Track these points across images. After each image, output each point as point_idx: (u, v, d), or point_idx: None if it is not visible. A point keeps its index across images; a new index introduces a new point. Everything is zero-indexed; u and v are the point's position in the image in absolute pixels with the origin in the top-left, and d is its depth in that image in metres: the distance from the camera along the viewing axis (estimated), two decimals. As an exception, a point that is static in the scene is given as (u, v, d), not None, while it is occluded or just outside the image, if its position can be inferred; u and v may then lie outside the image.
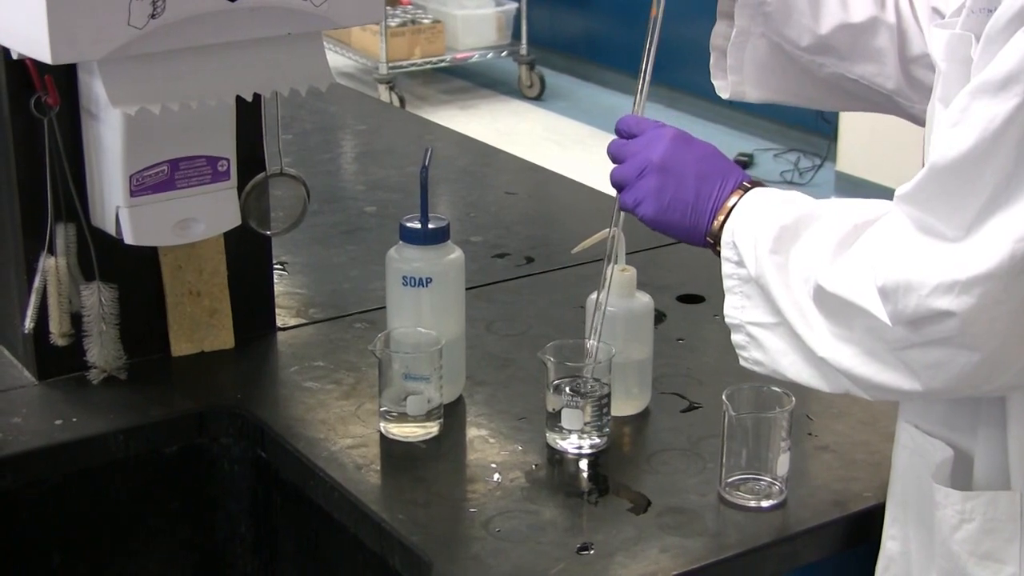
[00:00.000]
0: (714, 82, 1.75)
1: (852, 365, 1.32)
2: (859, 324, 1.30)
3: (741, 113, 6.14)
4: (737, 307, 1.43)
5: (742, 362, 1.44)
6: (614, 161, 1.52)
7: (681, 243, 1.50)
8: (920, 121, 1.60)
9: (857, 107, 1.77)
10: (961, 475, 1.40)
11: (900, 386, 1.31)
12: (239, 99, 1.66)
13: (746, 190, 1.45)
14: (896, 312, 1.25)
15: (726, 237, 1.43)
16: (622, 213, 1.57)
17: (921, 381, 1.29)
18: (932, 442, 1.42)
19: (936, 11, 1.62)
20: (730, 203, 1.44)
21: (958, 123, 1.23)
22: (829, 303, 1.32)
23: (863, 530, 1.56)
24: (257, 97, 1.69)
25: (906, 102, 1.67)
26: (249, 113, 1.77)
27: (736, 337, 1.44)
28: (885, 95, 1.68)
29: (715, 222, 1.44)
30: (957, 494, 1.39)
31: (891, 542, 1.49)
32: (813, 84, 1.72)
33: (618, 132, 1.54)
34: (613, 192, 1.54)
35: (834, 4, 1.65)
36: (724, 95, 1.75)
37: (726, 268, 1.43)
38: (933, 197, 1.25)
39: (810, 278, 1.34)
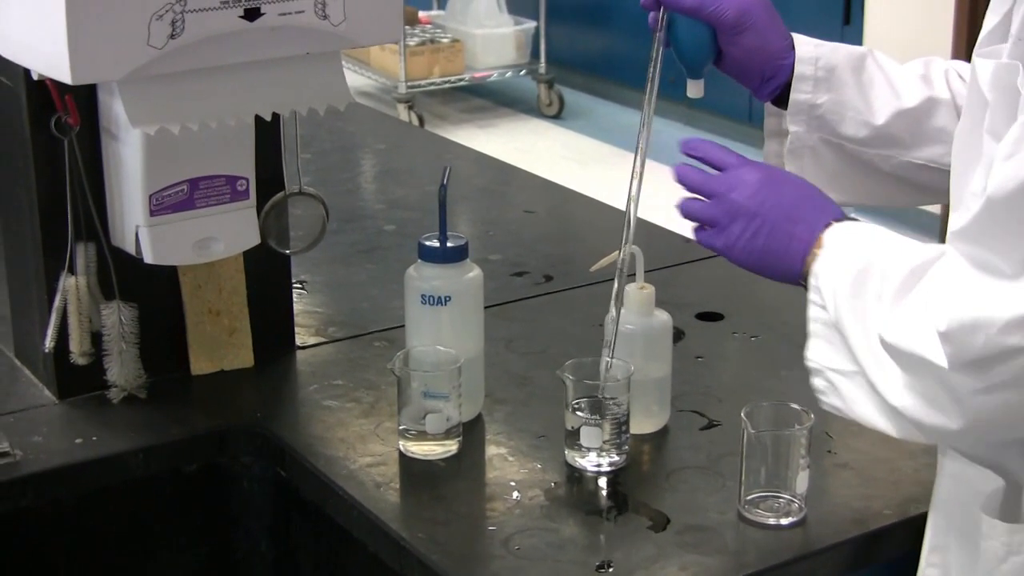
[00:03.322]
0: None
1: (921, 415, 1.30)
2: (924, 373, 1.28)
3: (759, 130, 6.13)
4: (820, 351, 1.41)
5: (821, 405, 1.42)
6: (692, 190, 1.49)
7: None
8: None
9: (930, 199, 1.74)
10: (1010, 506, 1.38)
11: (965, 436, 1.30)
12: (258, 118, 1.67)
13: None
14: (959, 354, 1.23)
15: (812, 280, 1.41)
16: (631, 229, 1.58)
17: (988, 429, 1.28)
18: (981, 471, 1.40)
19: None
20: (818, 244, 1.42)
21: (1013, 155, 1.21)
22: (894, 354, 1.30)
23: (883, 548, 1.56)
24: (276, 116, 1.69)
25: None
26: (268, 132, 1.78)
27: (816, 381, 1.41)
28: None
29: (805, 265, 1.42)
30: (1005, 526, 1.36)
31: (931, 570, 1.48)
32: (881, 180, 1.69)
33: (695, 156, 1.51)
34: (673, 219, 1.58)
35: (886, 93, 1.64)
36: None
37: (811, 311, 1.41)
38: (990, 232, 1.23)
39: (872, 328, 1.33)
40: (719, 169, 1.50)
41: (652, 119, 1.58)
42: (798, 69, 1.64)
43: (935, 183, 1.66)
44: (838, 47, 1.67)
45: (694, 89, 1.66)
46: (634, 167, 1.57)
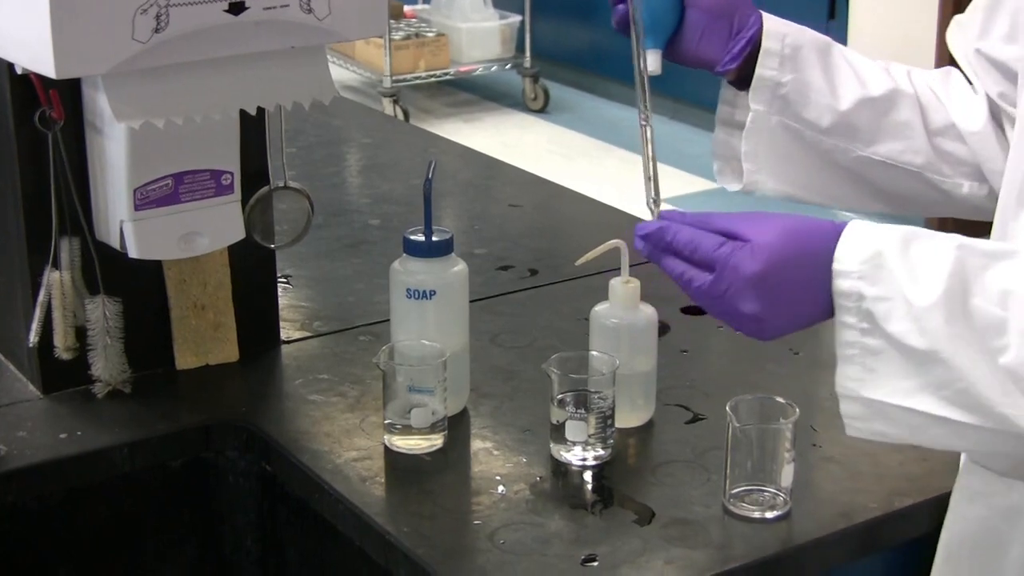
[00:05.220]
0: (720, 179, 1.69)
1: None
2: None
3: (745, 125, 6.12)
4: (855, 379, 1.31)
5: (850, 431, 1.35)
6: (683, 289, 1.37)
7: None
8: (950, 197, 1.60)
9: (880, 203, 1.69)
10: None
11: None
12: (243, 113, 1.67)
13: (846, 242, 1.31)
14: None
15: (847, 300, 1.29)
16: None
17: None
18: (1008, 483, 1.39)
19: (984, 55, 1.58)
20: (841, 267, 1.30)
21: None
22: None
23: (868, 542, 1.56)
24: (261, 111, 1.69)
25: (937, 176, 1.62)
26: (253, 127, 1.78)
27: (849, 408, 1.33)
28: (914, 173, 1.62)
29: (834, 294, 1.30)
30: None
31: None
32: (836, 175, 1.65)
33: (655, 259, 1.37)
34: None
35: (851, 79, 1.62)
36: (734, 187, 1.68)
37: (847, 335, 1.30)
38: None
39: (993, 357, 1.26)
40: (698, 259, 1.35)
41: (648, 94, 1.53)
42: (765, 43, 1.60)
43: (890, 184, 1.64)
44: (804, 29, 1.64)
45: (653, 61, 1.60)
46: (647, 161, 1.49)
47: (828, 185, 1.67)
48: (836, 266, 1.29)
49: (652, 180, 1.47)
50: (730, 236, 1.33)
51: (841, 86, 1.61)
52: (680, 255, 1.34)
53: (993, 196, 1.56)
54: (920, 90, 1.63)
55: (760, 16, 1.61)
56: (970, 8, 1.62)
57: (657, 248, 1.36)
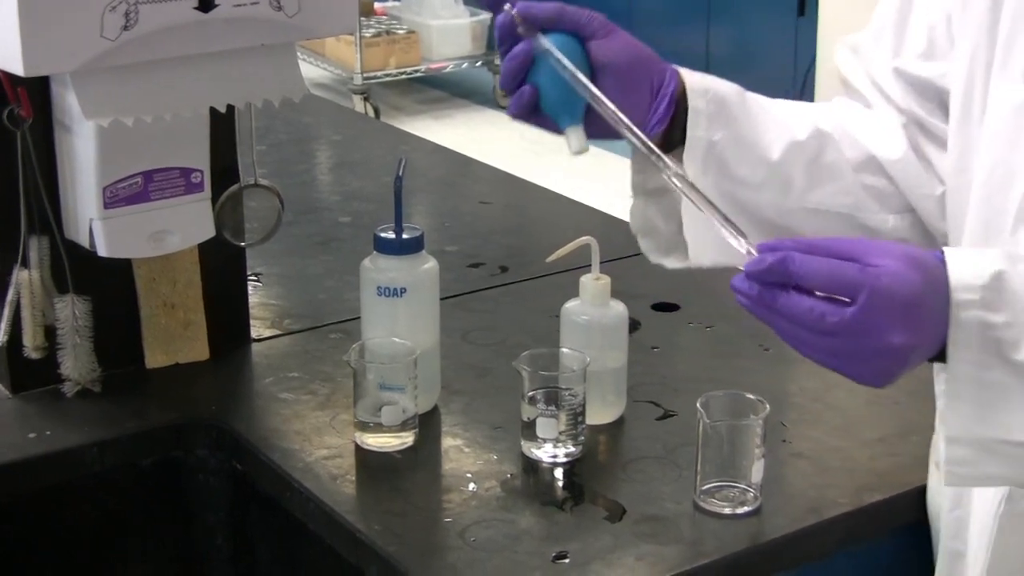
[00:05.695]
0: (654, 258, 1.53)
1: None
2: None
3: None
4: (969, 418, 1.21)
5: (951, 481, 1.25)
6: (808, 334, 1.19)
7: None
8: (876, 234, 1.51)
9: None
10: None
11: None
12: (213, 110, 1.66)
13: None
14: None
15: (966, 332, 1.19)
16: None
17: None
18: None
19: (903, 74, 1.52)
20: (962, 296, 1.20)
21: None
22: None
23: (838, 537, 1.56)
24: (231, 108, 1.69)
25: (865, 215, 1.52)
26: (223, 124, 1.77)
27: (957, 452, 1.23)
28: (845, 216, 1.51)
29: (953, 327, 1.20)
30: None
31: None
32: (765, 232, 1.48)
33: (796, 277, 1.18)
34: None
35: (775, 127, 1.49)
36: (676, 266, 1.51)
37: (963, 370, 1.20)
38: None
39: None
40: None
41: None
42: (692, 102, 1.44)
43: (819, 231, 1.53)
44: (717, 79, 1.49)
45: (576, 140, 1.41)
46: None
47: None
48: (957, 295, 1.19)
49: (727, 219, 1.27)
50: (851, 261, 1.19)
51: (767, 133, 1.48)
52: (808, 287, 1.17)
53: (917, 225, 1.52)
54: (834, 126, 1.53)
55: (675, 71, 1.45)
56: (865, 29, 1.58)
57: (774, 285, 1.17)
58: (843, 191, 1.50)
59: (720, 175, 1.45)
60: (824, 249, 1.18)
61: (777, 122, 1.49)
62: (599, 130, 1.40)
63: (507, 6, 1.37)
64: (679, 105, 1.44)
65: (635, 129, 1.35)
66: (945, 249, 1.23)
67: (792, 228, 1.49)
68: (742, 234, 1.24)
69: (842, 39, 1.60)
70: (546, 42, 1.37)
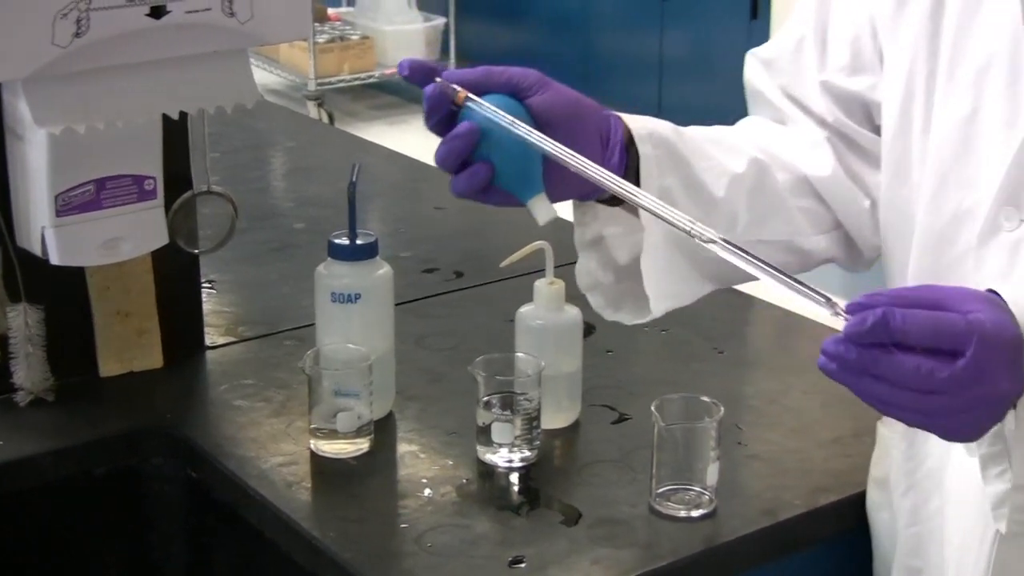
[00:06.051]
0: (610, 315, 1.48)
1: None
2: None
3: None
4: None
5: (1014, 527, 1.23)
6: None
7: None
8: (809, 257, 1.50)
9: (724, 284, 1.51)
10: None
11: None
12: (165, 117, 1.66)
13: None
14: None
15: None
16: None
17: None
18: None
19: (831, 88, 1.50)
20: None
21: None
22: None
23: (793, 538, 1.57)
24: (183, 115, 1.68)
25: (800, 238, 1.50)
26: (176, 131, 1.77)
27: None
28: (784, 242, 1.49)
29: None
30: None
31: None
32: (708, 272, 1.45)
33: (899, 334, 1.09)
34: None
35: (716, 162, 1.44)
36: (636, 322, 1.46)
37: None
38: None
39: None
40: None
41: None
42: (641, 148, 1.38)
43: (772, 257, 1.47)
44: (655, 120, 1.43)
45: (542, 210, 1.33)
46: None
47: (699, 287, 1.47)
48: None
49: (802, 285, 1.15)
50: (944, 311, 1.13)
51: (710, 173, 1.43)
52: (911, 344, 1.09)
53: (843, 241, 1.51)
54: (762, 149, 1.49)
55: (617, 117, 1.39)
56: (772, 44, 1.56)
57: (873, 346, 1.08)
58: (783, 219, 1.47)
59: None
60: (915, 300, 1.11)
61: (716, 157, 1.44)
62: (560, 192, 1.34)
63: (437, 78, 1.31)
64: (627, 152, 1.38)
65: (625, 184, 1.26)
66: (993, 289, 1.19)
67: (740, 270, 1.45)
68: (823, 295, 1.12)
69: (751, 52, 1.58)
70: (488, 106, 1.28)
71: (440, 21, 7.36)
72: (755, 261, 1.18)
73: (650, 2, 6.52)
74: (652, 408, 1.54)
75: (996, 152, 1.32)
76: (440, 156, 1.30)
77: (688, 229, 1.21)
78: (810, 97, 1.51)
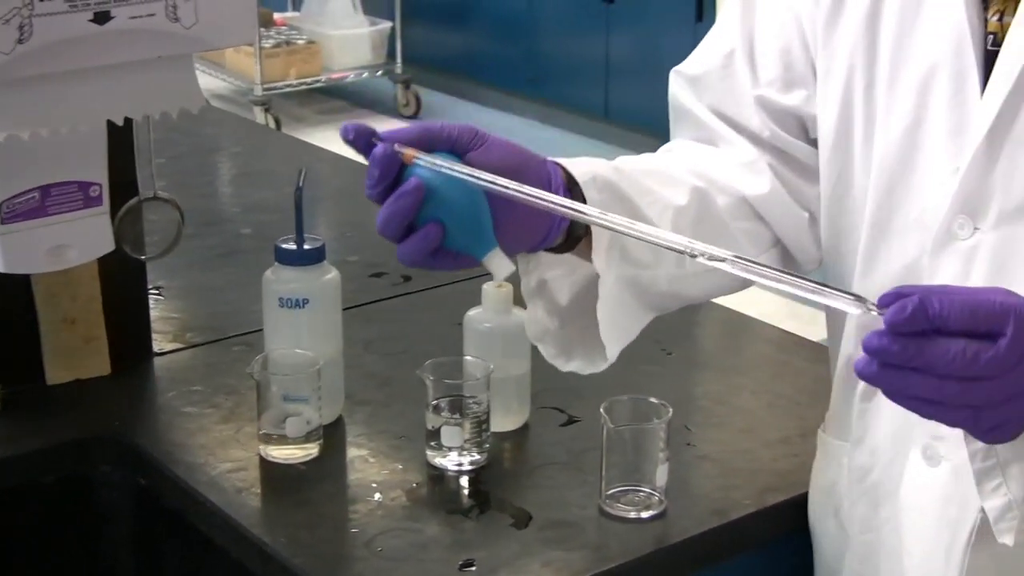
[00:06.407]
0: (563, 366, 1.45)
1: None
2: None
3: (615, 127, 6.17)
4: None
5: (1020, 537, 1.22)
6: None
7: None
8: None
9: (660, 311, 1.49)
10: None
11: None
12: (110, 123, 1.65)
13: None
14: None
15: None
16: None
17: None
18: None
19: (766, 103, 1.49)
20: None
21: None
22: None
23: (744, 538, 1.58)
24: (128, 121, 1.67)
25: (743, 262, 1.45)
26: (121, 137, 1.76)
27: None
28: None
29: None
30: None
31: None
32: (654, 307, 1.46)
33: (939, 319, 1.06)
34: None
35: (657, 196, 1.41)
36: (591, 371, 1.44)
37: None
38: None
39: None
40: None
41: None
42: (586, 193, 1.35)
43: (703, 291, 1.52)
44: (593, 160, 1.40)
45: (498, 266, 1.27)
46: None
47: (644, 319, 1.45)
48: None
49: (826, 287, 1.11)
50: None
51: (653, 208, 1.40)
52: (952, 328, 1.06)
53: (785, 257, 1.51)
54: (700, 175, 1.46)
55: (556, 164, 1.35)
56: (697, 60, 1.53)
57: (914, 334, 1.05)
58: (728, 245, 1.37)
59: (622, 263, 1.37)
60: (947, 289, 1.10)
61: (657, 192, 1.41)
62: (511, 246, 1.30)
63: (374, 139, 1.28)
64: (570, 196, 1.32)
65: (609, 216, 1.22)
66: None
67: (681, 295, 1.47)
68: (851, 294, 1.10)
69: (676, 71, 1.55)
70: (442, 161, 1.24)
71: (386, 25, 7.36)
72: (770, 272, 1.15)
73: (595, 5, 6.55)
74: (601, 410, 1.55)
75: (944, 161, 1.33)
76: (383, 220, 1.26)
77: (687, 250, 1.17)
78: (744, 114, 1.50)
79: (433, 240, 1.25)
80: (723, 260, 1.15)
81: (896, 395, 1.09)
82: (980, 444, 1.18)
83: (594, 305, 1.37)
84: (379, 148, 1.27)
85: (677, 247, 1.18)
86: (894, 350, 1.04)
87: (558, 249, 1.37)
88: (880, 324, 1.05)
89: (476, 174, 1.23)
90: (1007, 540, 1.21)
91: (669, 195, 1.41)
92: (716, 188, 1.46)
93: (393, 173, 1.27)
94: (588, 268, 1.37)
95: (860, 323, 1.40)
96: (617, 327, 1.39)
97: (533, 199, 1.23)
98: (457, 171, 1.24)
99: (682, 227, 1.40)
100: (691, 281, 1.45)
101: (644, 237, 1.20)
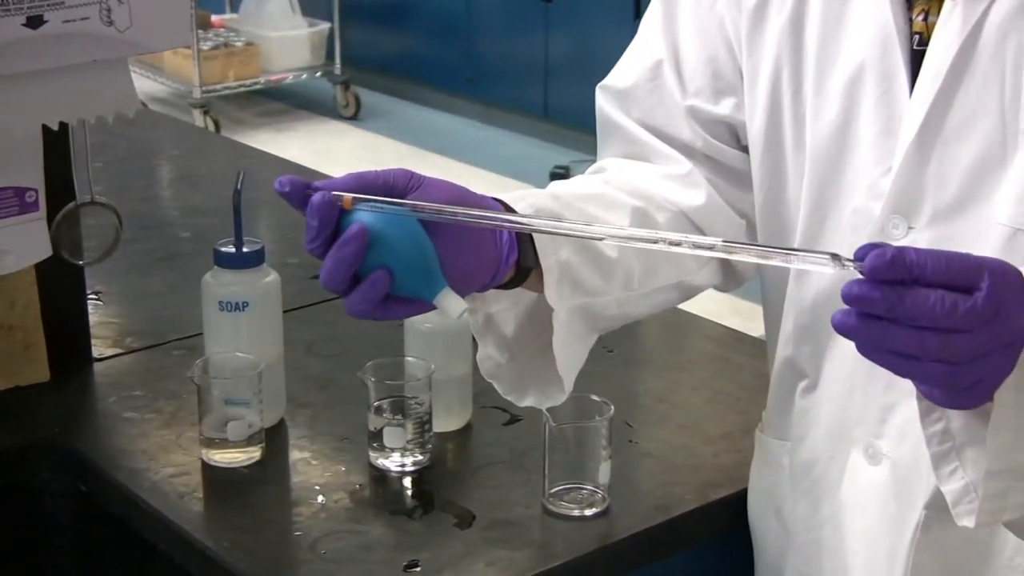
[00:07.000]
0: (520, 402, 1.44)
1: None
2: None
3: (555, 126, 6.18)
4: (1013, 447, 1.14)
5: (984, 518, 1.17)
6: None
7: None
8: (692, 289, 1.49)
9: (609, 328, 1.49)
10: None
11: None
12: (45, 128, 1.64)
13: None
14: None
15: None
16: None
17: None
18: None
19: (698, 113, 1.49)
20: None
21: None
22: None
23: (687, 534, 1.59)
24: (64, 125, 1.67)
25: (688, 276, 1.48)
26: (57, 142, 1.75)
27: (996, 484, 1.15)
28: (672, 285, 1.47)
29: None
30: None
31: None
32: (606, 327, 1.46)
33: (917, 269, 1.04)
34: None
35: (603, 220, 1.38)
36: (547, 405, 1.44)
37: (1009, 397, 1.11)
38: None
39: None
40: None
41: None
42: None
43: (650, 309, 1.50)
44: (533, 191, 1.38)
45: (451, 304, 1.23)
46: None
47: (591, 341, 1.44)
48: None
49: (800, 251, 1.12)
50: None
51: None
52: (928, 279, 1.04)
53: (724, 267, 1.51)
54: (637, 194, 1.45)
55: (496, 200, 1.32)
56: (623, 73, 1.53)
57: (895, 283, 1.03)
58: (672, 263, 1.44)
59: (575, 294, 1.35)
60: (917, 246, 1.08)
61: (600, 217, 1.39)
62: (461, 287, 1.25)
63: (307, 191, 1.24)
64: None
65: (572, 224, 1.21)
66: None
67: (630, 315, 1.46)
68: (827, 253, 1.08)
69: (601, 86, 1.55)
70: (384, 201, 1.21)
71: (324, 26, 7.35)
72: (753, 249, 1.16)
73: (534, 4, 6.55)
74: (543, 408, 1.55)
75: (875, 161, 1.33)
76: (327, 272, 1.21)
77: (662, 240, 1.15)
78: (675, 126, 1.49)
79: (381, 287, 1.21)
80: (711, 247, 1.13)
81: (874, 350, 1.07)
82: (938, 427, 1.16)
83: (539, 333, 1.37)
84: (316, 196, 1.22)
85: (649, 241, 1.16)
86: (875, 297, 1.03)
87: (508, 285, 1.33)
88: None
89: (420, 205, 1.21)
90: (967, 523, 1.20)
91: (612, 220, 1.39)
92: (654, 205, 1.45)
93: (332, 221, 1.22)
94: (530, 297, 1.37)
95: (798, 324, 1.43)
96: (572, 357, 1.38)
97: (484, 221, 1.21)
98: (398, 205, 1.21)
99: (627, 251, 1.38)
100: (639, 301, 1.44)
101: (607, 238, 1.19)
